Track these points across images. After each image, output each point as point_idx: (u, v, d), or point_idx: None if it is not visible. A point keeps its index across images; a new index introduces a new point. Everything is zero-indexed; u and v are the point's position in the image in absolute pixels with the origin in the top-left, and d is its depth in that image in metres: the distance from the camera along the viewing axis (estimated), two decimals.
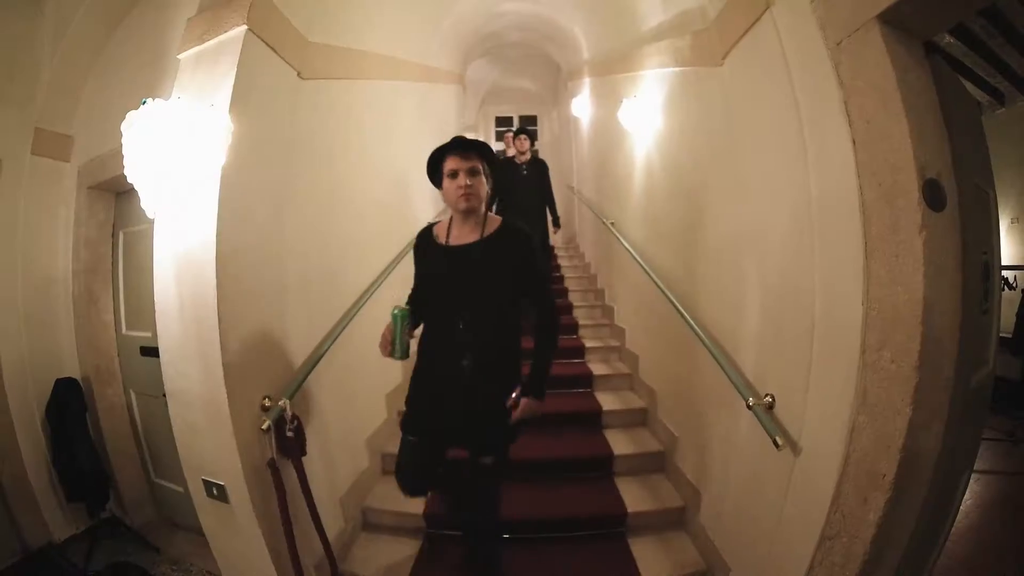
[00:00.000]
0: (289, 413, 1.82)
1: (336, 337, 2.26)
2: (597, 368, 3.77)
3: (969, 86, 4.61)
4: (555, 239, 7.17)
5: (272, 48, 1.87)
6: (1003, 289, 4.21)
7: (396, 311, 1.66)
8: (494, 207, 4.12)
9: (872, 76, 1.22)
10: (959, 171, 1.24)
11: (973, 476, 1.73)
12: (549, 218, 4.60)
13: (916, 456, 1.17)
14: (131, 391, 2.86)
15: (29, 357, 2.59)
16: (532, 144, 4.56)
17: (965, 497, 1.95)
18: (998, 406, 3.78)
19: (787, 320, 1.64)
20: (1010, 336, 4.41)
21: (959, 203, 1.22)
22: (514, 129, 4.76)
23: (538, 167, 4.44)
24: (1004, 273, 4.42)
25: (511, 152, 4.52)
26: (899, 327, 1.16)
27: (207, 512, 1.87)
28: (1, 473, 2.44)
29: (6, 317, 2.51)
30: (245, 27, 1.71)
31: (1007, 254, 4.68)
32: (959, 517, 1.70)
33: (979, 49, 4.22)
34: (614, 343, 4.10)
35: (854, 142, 1.28)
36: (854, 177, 1.28)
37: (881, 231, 1.21)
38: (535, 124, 8.35)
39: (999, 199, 1.77)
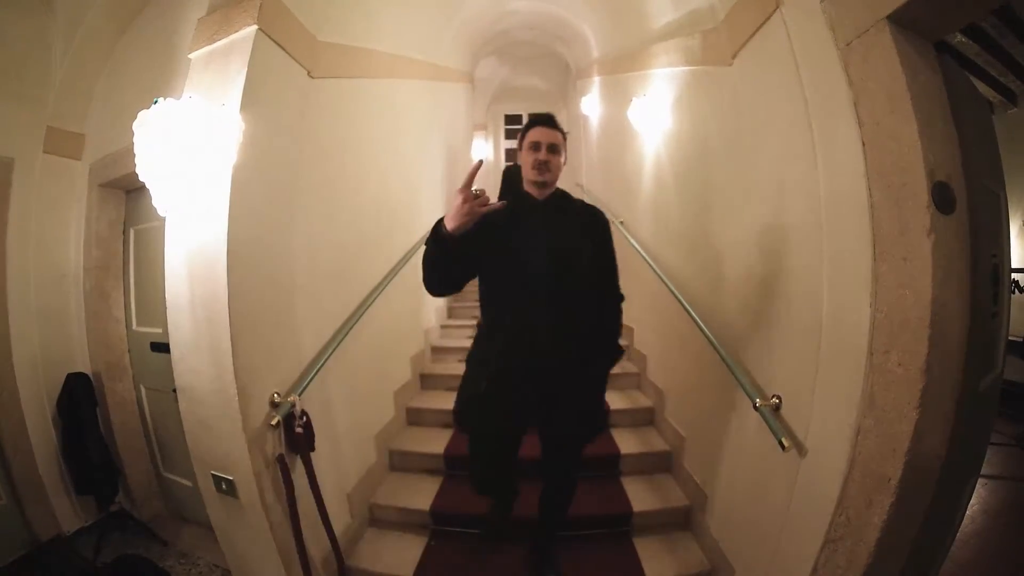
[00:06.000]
0: (298, 409, 1.84)
1: (346, 334, 2.28)
2: None
3: (980, 85, 4.55)
4: None
5: (282, 47, 1.88)
6: (1013, 292, 4.16)
7: None
8: None
9: (882, 78, 1.21)
10: (969, 173, 1.23)
11: (980, 481, 1.72)
12: None
13: (922, 460, 1.17)
14: (141, 386, 2.90)
15: (41, 352, 2.62)
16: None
17: (971, 502, 1.94)
18: (1006, 410, 3.75)
19: (795, 321, 1.63)
20: (1020, 340, 4.36)
21: (969, 205, 1.21)
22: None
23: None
24: (1015, 276, 4.36)
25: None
26: (906, 330, 1.16)
27: (216, 506, 1.89)
28: (12, 466, 2.47)
29: (19, 313, 2.54)
30: (255, 27, 1.72)
31: (1018, 257, 4.63)
32: (964, 522, 1.69)
33: (991, 48, 4.17)
34: (622, 342, 4.07)
35: (863, 143, 1.27)
36: (863, 179, 1.27)
37: (890, 233, 1.21)
38: None
39: (1010, 200, 1.74)
